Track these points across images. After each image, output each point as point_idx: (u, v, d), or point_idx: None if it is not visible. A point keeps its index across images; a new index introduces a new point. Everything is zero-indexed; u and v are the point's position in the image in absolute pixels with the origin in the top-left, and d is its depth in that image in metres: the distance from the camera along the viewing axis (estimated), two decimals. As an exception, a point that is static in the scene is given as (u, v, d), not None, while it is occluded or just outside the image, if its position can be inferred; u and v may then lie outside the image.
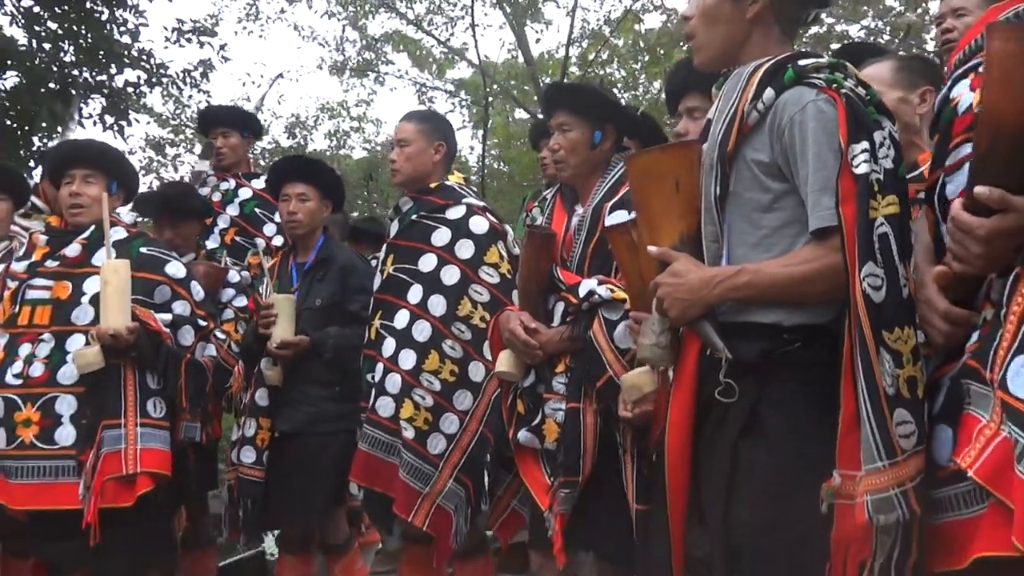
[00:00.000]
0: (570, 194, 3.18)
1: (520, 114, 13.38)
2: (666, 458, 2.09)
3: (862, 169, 1.80)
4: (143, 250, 3.54)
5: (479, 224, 3.56)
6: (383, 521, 3.74)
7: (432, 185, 3.67)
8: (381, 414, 3.48)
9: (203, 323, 3.57)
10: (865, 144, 1.83)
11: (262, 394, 3.84)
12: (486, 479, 3.50)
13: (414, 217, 3.63)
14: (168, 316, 3.46)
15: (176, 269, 3.56)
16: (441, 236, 3.56)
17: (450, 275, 3.50)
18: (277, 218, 4.85)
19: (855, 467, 1.74)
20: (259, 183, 4.86)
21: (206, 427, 3.64)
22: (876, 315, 1.73)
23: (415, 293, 3.52)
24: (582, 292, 2.91)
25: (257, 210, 4.82)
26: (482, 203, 3.76)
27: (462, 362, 3.45)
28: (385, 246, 3.77)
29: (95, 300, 3.39)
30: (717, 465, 1.99)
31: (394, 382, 3.46)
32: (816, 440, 1.86)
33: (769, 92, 1.97)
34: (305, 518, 3.92)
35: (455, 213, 3.59)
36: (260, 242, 4.14)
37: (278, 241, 4.66)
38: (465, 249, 3.52)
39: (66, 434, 3.32)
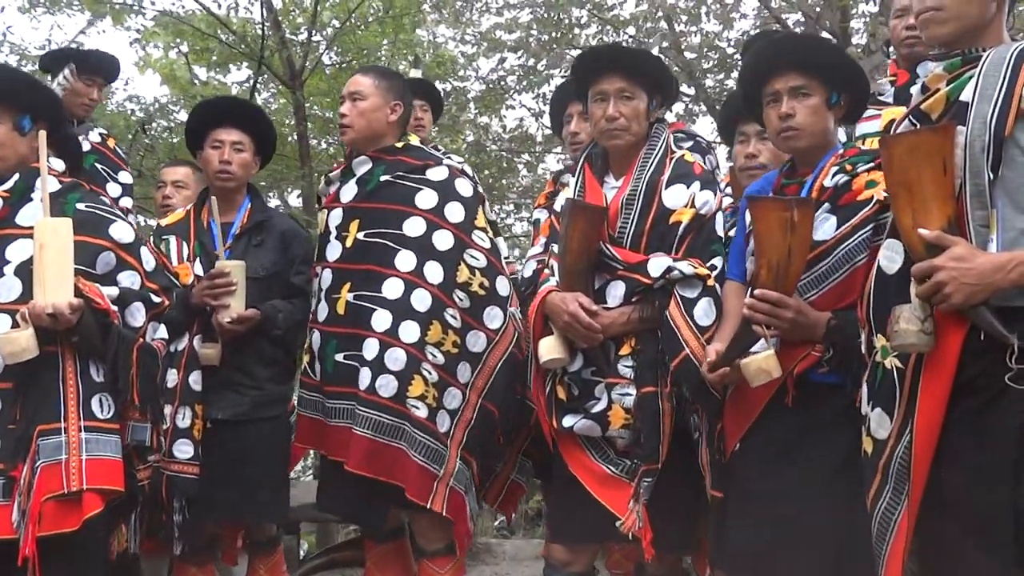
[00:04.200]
0: (600, 166, 2.99)
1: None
2: (914, 443, 2.06)
3: None
4: (81, 206, 2.79)
5: (465, 186, 3.31)
6: (372, 517, 3.35)
7: (398, 145, 3.35)
8: (382, 394, 3.08)
9: (156, 299, 2.87)
10: None
11: (196, 377, 3.27)
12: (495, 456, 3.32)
13: (384, 178, 3.29)
14: (114, 290, 2.76)
15: (123, 232, 2.83)
16: (427, 198, 3.25)
17: (443, 240, 3.20)
18: (123, 177, 4.24)
19: None
20: (96, 136, 4.18)
21: (156, 427, 2.96)
22: None
23: (406, 260, 3.17)
24: (657, 270, 2.77)
25: (98, 165, 4.09)
26: (461, 165, 3.48)
27: (462, 332, 3.17)
28: (341, 210, 3.35)
29: (24, 270, 2.66)
30: (994, 448, 1.97)
31: (396, 358, 3.09)
32: None
33: None
34: (261, 514, 3.48)
35: (438, 174, 3.30)
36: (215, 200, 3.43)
37: (127, 202, 4.06)
38: (455, 212, 3.25)
39: None
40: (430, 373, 3.11)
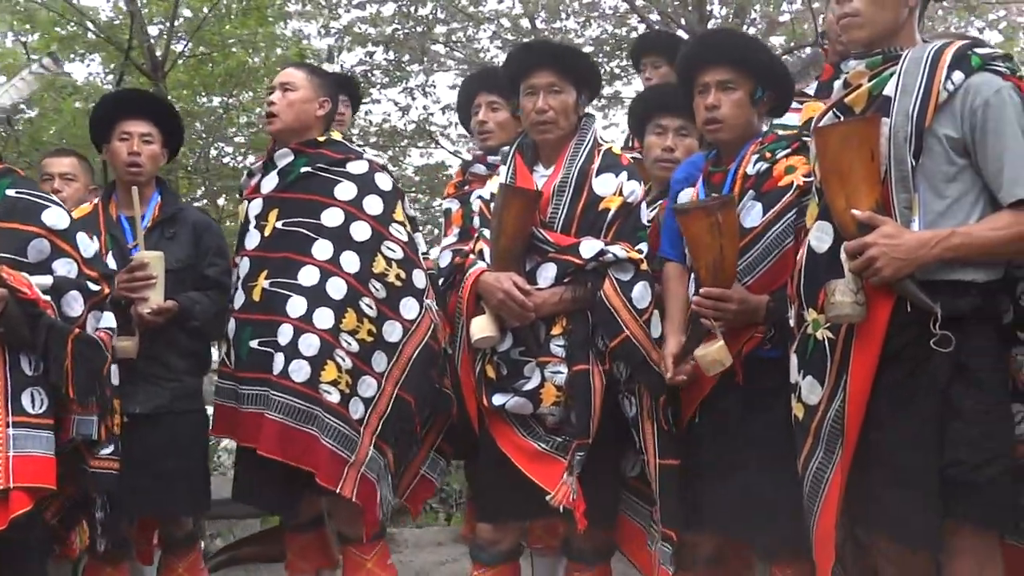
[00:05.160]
0: (530, 155, 3.11)
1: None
2: (847, 407, 2.27)
3: None
4: (11, 193, 2.72)
5: (384, 181, 3.38)
6: (284, 503, 3.35)
7: (320, 139, 3.40)
8: (295, 379, 3.09)
9: (94, 287, 2.79)
10: None
11: (113, 371, 3.12)
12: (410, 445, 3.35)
13: (305, 170, 3.32)
14: (48, 279, 2.68)
15: (57, 218, 2.76)
16: (346, 190, 3.30)
17: (360, 231, 3.25)
18: None
19: None
20: None
21: (104, 420, 2.87)
22: None
23: (323, 249, 3.21)
24: (588, 252, 2.89)
25: None
26: (381, 160, 3.55)
27: (378, 321, 3.23)
28: (260, 200, 3.36)
29: None
30: (918, 411, 2.20)
31: (310, 343, 3.11)
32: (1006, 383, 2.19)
33: (958, 74, 2.22)
34: (182, 509, 3.45)
35: (357, 168, 3.35)
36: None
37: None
38: (373, 205, 3.31)
39: None
40: (344, 360, 3.14)
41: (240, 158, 10.25)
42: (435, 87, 11.32)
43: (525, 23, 9.86)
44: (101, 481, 3.06)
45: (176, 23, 8.32)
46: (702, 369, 2.68)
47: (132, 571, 3.55)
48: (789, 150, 2.72)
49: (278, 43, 9.77)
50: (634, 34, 9.07)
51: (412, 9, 9.56)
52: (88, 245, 2.84)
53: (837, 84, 2.44)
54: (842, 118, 2.36)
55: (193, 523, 3.69)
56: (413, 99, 10.37)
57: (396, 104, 10.33)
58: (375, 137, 10.68)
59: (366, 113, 10.38)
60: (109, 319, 2.87)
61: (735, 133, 2.79)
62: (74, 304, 2.73)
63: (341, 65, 9.38)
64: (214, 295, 3.40)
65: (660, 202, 3.20)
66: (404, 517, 5.26)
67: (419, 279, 3.33)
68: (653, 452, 2.86)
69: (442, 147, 11.05)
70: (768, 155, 2.74)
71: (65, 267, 2.75)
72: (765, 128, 2.85)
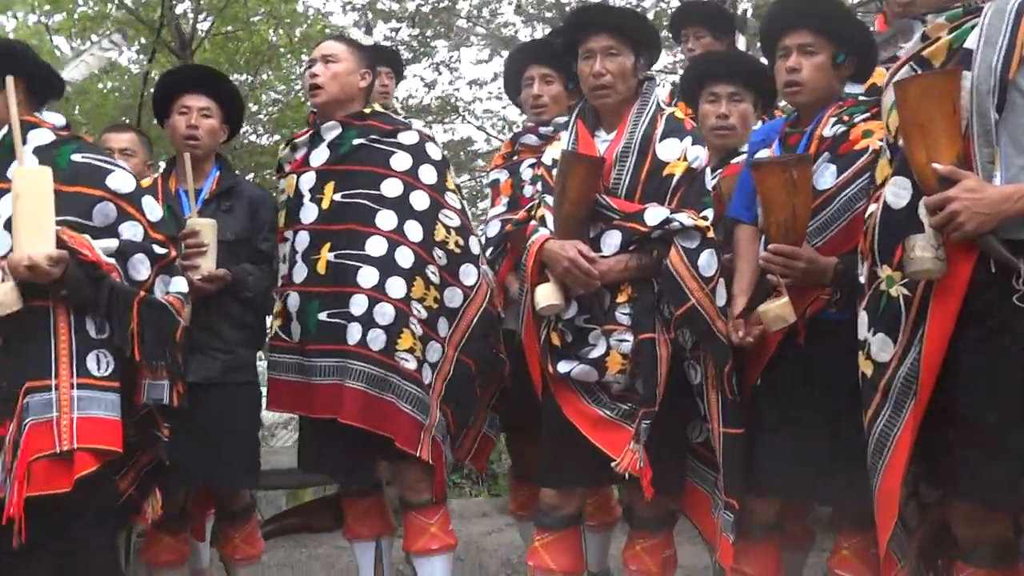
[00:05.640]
0: (592, 120, 3.09)
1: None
2: (921, 366, 2.26)
3: None
4: (76, 157, 2.71)
5: (434, 150, 3.42)
6: (358, 472, 3.38)
7: (366, 111, 3.41)
8: (373, 348, 3.14)
9: (161, 250, 2.77)
10: None
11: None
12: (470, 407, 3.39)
13: (358, 141, 3.33)
14: (113, 243, 2.67)
15: (122, 181, 2.74)
16: (401, 160, 3.32)
17: (419, 200, 3.30)
18: None
19: None
20: None
21: (175, 385, 2.87)
22: None
23: (387, 219, 3.24)
24: (654, 220, 2.86)
25: None
26: (428, 130, 3.55)
27: (441, 288, 3.28)
28: (313, 174, 3.37)
29: (7, 222, 2.58)
30: (1002, 371, 2.18)
31: (385, 312, 3.15)
32: None
33: None
34: (234, 480, 3.47)
35: (408, 138, 3.38)
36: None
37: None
38: (428, 174, 3.34)
39: None
40: (416, 327, 3.19)
41: (267, 137, 10.26)
42: (460, 63, 11.29)
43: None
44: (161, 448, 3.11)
45: (201, 1, 8.32)
46: (764, 325, 2.67)
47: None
48: (868, 114, 2.70)
49: (301, 19, 9.76)
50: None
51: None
52: (154, 209, 2.83)
53: (915, 38, 2.41)
54: (918, 71, 2.33)
55: (249, 495, 3.72)
56: (439, 74, 10.34)
57: (422, 80, 10.29)
58: (400, 114, 10.65)
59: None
60: (180, 284, 2.86)
61: (814, 96, 2.77)
62: (140, 267, 2.72)
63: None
64: (267, 268, 3.43)
65: (719, 170, 3.18)
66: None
67: (475, 246, 3.40)
68: (717, 420, 2.84)
69: (469, 123, 11.03)
70: (846, 118, 2.72)
71: (131, 231, 2.73)
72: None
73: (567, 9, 9.45)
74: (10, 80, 2.61)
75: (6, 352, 2.53)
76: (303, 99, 9.47)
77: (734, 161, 3.18)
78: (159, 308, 2.74)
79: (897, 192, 2.34)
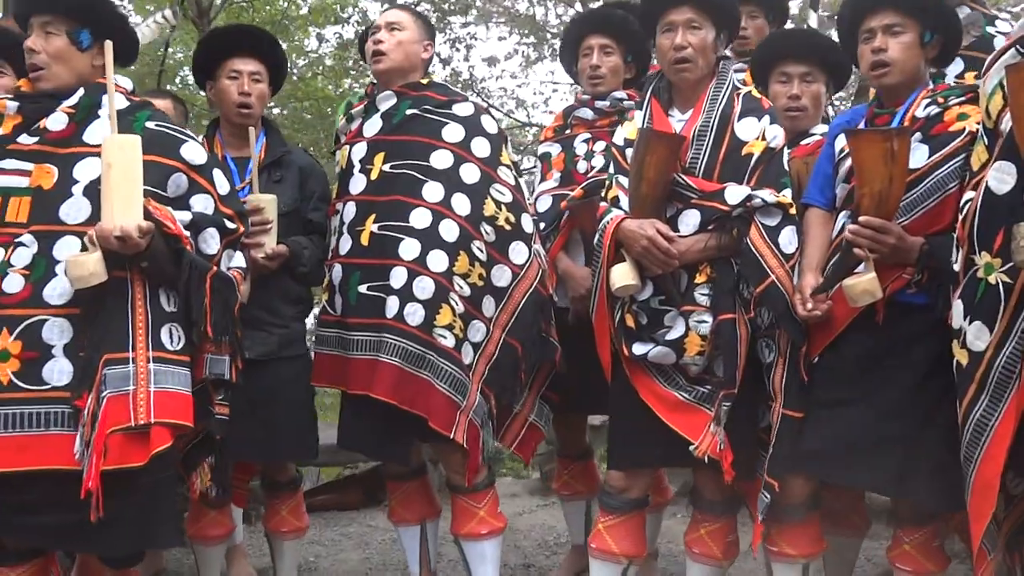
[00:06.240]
0: (665, 99, 3.04)
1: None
2: None
3: None
4: (150, 125, 2.64)
5: (490, 123, 3.31)
6: (396, 451, 3.29)
7: (424, 81, 3.33)
8: (410, 323, 3.04)
9: (231, 225, 2.71)
10: None
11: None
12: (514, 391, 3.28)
13: (411, 112, 3.25)
14: (187, 215, 2.61)
15: (195, 152, 2.67)
16: (453, 132, 3.23)
17: (470, 173, 3.19)
18: None
19: None
20: None
21: (235, 361, 2.78)
22: None
23: (433, 191, 3.15)
24: (735, 198, 2.81)
25: None
26: (484, 103, 3.48)
27: (488, 265, 3.16)
28: (365, 144, 3.30)
29: (92, 190, 2.53)
30: None
31: (424, 286, 3.05)
32: None
33: None
34: (289, 455, 3.46)
35: (463, 110, 3.29)
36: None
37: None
38: (481, 147, 3.24)
39: (58, 371, 2.46)
40: (457, 304, 3.09)
41: (277, 109, 10.15)
42: (476, 39, 11.20)
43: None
44: (214, 426, 3.06)
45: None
46: (849, 300, 2.60)
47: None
48: (963, 98, 2.64)
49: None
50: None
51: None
52: (224, 182, 2.76)
53: (1021, 21, 2.37)
54: (1024, 56, 2.28)
55: (296, 468, 3.68)
56: (456, 50, 10.25)
57: (439, 56, 10.20)
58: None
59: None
60: (240, 259, 2.80)
61: (904, 77, 2.71)
62: (211, 241, 2.66)
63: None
64: (318, 240, 3.35)
65: (788, 151, 3.13)
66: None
67: (527, 224, 3.26)
68: (779, 400, 2.81)
69: (486, 100, 10.95)
70: (941, 100, 2.66)
71: (202, 203, 2.67)
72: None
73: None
74: (108, 45, 2.53)
75: (85, 322, 2.47)
76: (318, 71, 9.36)
77: (804, 143, 3.13)
78: (228, 283, 2.69)
79: (1000, 177, 2.28)
